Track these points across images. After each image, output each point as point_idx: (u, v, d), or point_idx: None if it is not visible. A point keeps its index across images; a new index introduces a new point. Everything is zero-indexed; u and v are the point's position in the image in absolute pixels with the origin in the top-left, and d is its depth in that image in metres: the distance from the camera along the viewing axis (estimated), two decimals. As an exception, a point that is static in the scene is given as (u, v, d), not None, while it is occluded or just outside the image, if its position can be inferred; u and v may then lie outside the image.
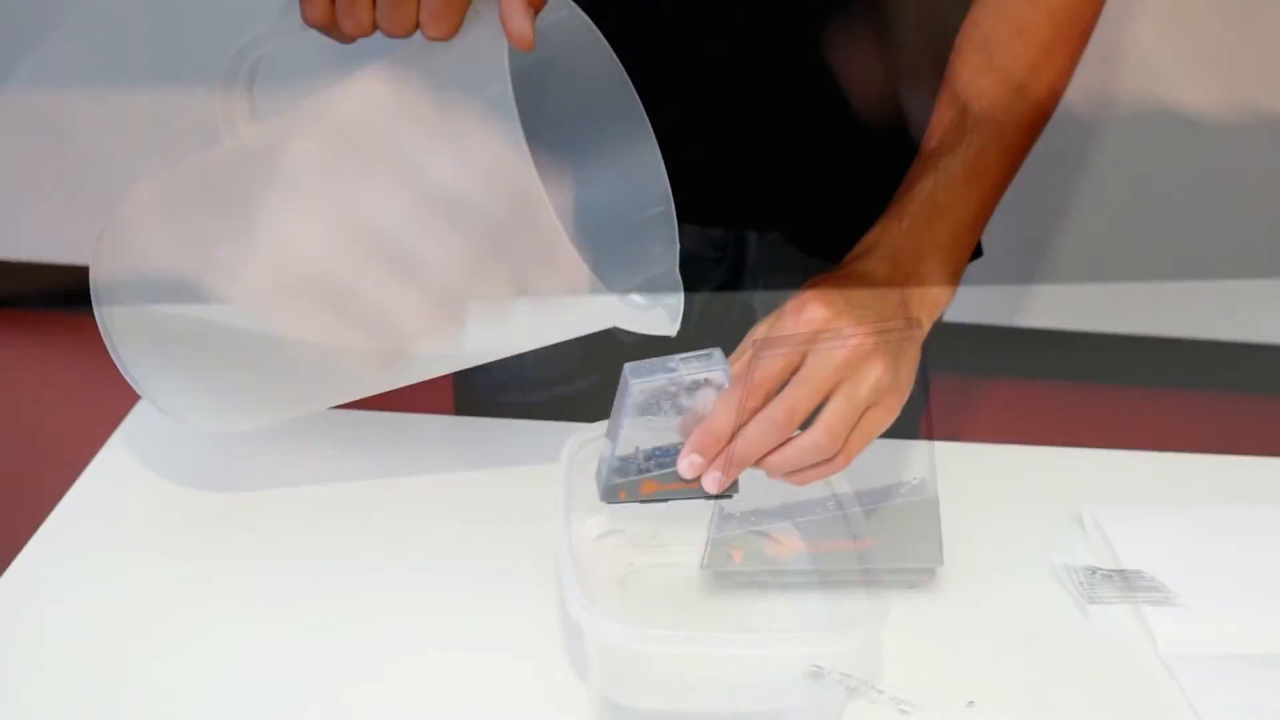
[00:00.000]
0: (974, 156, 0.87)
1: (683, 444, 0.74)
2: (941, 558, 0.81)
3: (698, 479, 0.74)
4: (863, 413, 0.74)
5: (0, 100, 2.20)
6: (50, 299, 2.21)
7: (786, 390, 0.73)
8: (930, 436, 0.83)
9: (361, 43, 0.71)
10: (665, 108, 0.79)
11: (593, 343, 0.82)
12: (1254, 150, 2.14)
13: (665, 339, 0.76)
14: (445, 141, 0.70)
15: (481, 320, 0.74)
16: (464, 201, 0.69)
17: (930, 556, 0.82)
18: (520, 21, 0.66)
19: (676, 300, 0.77)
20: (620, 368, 0.75)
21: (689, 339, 0.77)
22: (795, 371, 0.74)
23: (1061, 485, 0.97)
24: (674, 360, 0.75)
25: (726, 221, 1.04)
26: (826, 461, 0.74)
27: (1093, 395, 2.30)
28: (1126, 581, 0.85)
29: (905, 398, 0.77)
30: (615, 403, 0.75)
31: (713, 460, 0.74)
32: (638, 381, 0.73)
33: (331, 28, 0.71)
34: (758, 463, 0.74)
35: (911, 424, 0.82)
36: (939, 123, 0.90)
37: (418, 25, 0.69)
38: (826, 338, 0.74)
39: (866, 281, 0.80)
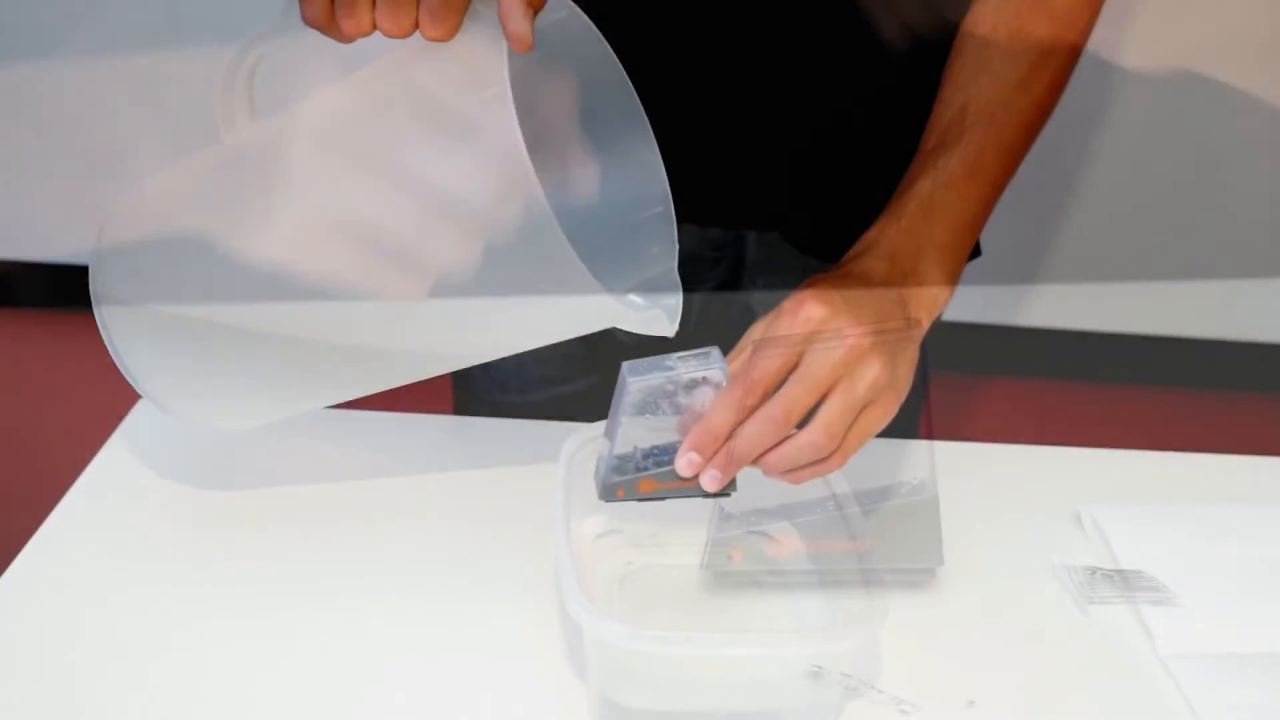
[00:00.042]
0: (973, 156, 0.87)
1: (681, 442, 0.74)
2: (941, 558, 0.81)
3: (696, 477, 0.74)
4: (860, 411, 0.74)
5: (-1, 99, 2.20)
6: (50, 298, 2.21)
7: (784, 389, 0.74)
8: (930, 435, 0.83)
9: (361, 43, 0.71)
10: (665, 107, 0.79)
11: (592, 342, 0.82)
12: (1254, 149, 2.14)
13: (664, 339, 0.76)
14: (444, 142, 0.70)
15: (480, 320, 0.74)
16: (462, 202, 0.69)
17: (930, 556, 0.82)
18: (519, 23, 0.66)
19: (675, 300, 0.77)
20: (619, 367, 0.75)
21: (688, 338, 0.77)
22: (793, 370, 0.74)
23: (1061, 484, 0.97)
24: (672, 359, 0.75)
25: (725, 221, 1.04)
26: (823, 460, 0.75)
27: (1092, 394, 2.30)
28: (1126, 581, 0.85)
29: (903, 397, 0.77)
30: (613, 401, 0.75)
31: (711, 458, 0.74)
32: (635, 380, 0.74)
33: (331, 28, 0.70)
34: (755, 461, 0.74)
35: (911, 423, 0.82)
36: (938, 121, 0.90)
37: (417, 26, 0.69)
38: (824, 337, 0.74)
39: (864, 280, 0.81)
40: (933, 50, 0.94)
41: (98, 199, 0.85)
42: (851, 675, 0.74)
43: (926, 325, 0.82)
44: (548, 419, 1.01)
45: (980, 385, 2.28)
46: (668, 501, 0.76)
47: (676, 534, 0.84)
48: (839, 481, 0.80)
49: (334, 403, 0.86)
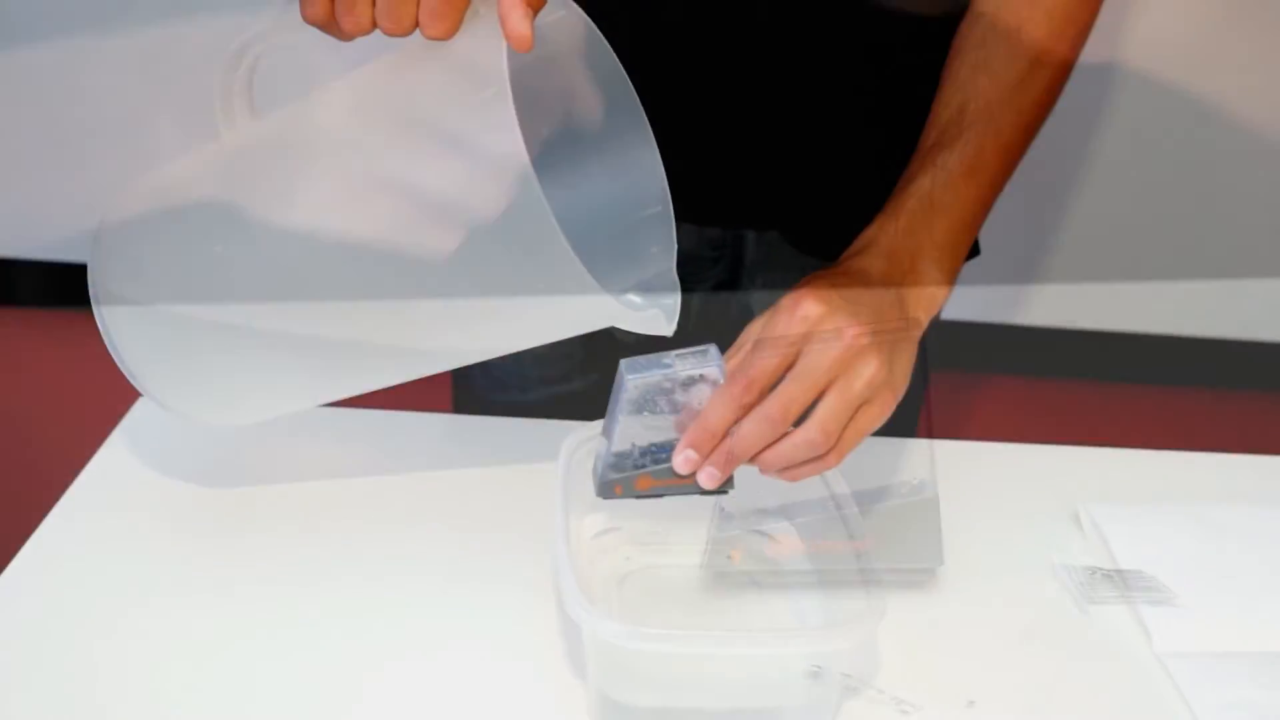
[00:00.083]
0: (971, 154, 0.87)
1: (678, 440, 0.74)
2: (941, 558, 0.81)
3: (693, 474, 0.74)
4: (857, 410, 0.74)
5: (-1, 98, 2.20)
6: (50, 296, 2.21)
7: (781, 387, 0.74)
8: (930, 434, 0.83)
9: (360, 41, 0.71)
10: (664, 106, 0.79)
11: (591, 342, 0.82)
12: (1254, 149, 2.14)
13: (663, 337, 0.76)
14: (443, 140, 0.70)
15: (478, 319, 0.74)
16: (461, 200, 0.69)
17: (930, 557, 0.82)
18: (519, 22, 0.66)
19: (673, 300, 0.77)
20: (618, 366, 0.75)
21: (687, 338, 0.77)
22: (790, 368, 0.74)
23: (1060, 483, 0.97)
24: (669, 356, 0.75)
25: (724, 220, 1.04)
26: (820, 458, 0.75)
27: (1092, 393, 2.30)
28: (1125, 581, 0.85)
29: (900, 395, 0.77)
30: (611, 399, 0.75)
31: (708, 456, 0.74)
32: (633, 377, 0.74)
33: (331, 25, 0.71)
34: (752, 459, 0.75)
35: (910, 421, 0.82)
36: (937, 120, 0.90)
37: (417, 24, 0.69)
38: (822, 335, 0.74)
39: (863, 279, 0.81)
40: (932, 49, 0.94)
41: (96, 197, 0.85)
42: (852, 675, 0.74)
43: (925, 323, 0.82)
44: (547, 418, 1.01)
45: (980, 384, 2.28)
46: (667, 500, 0.76)
47: (676, 533, 0.84)
48: (838, 481, 0.80)
49: (333, 399, 0.86)
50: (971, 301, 2.22)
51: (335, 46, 0.73)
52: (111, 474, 0.92)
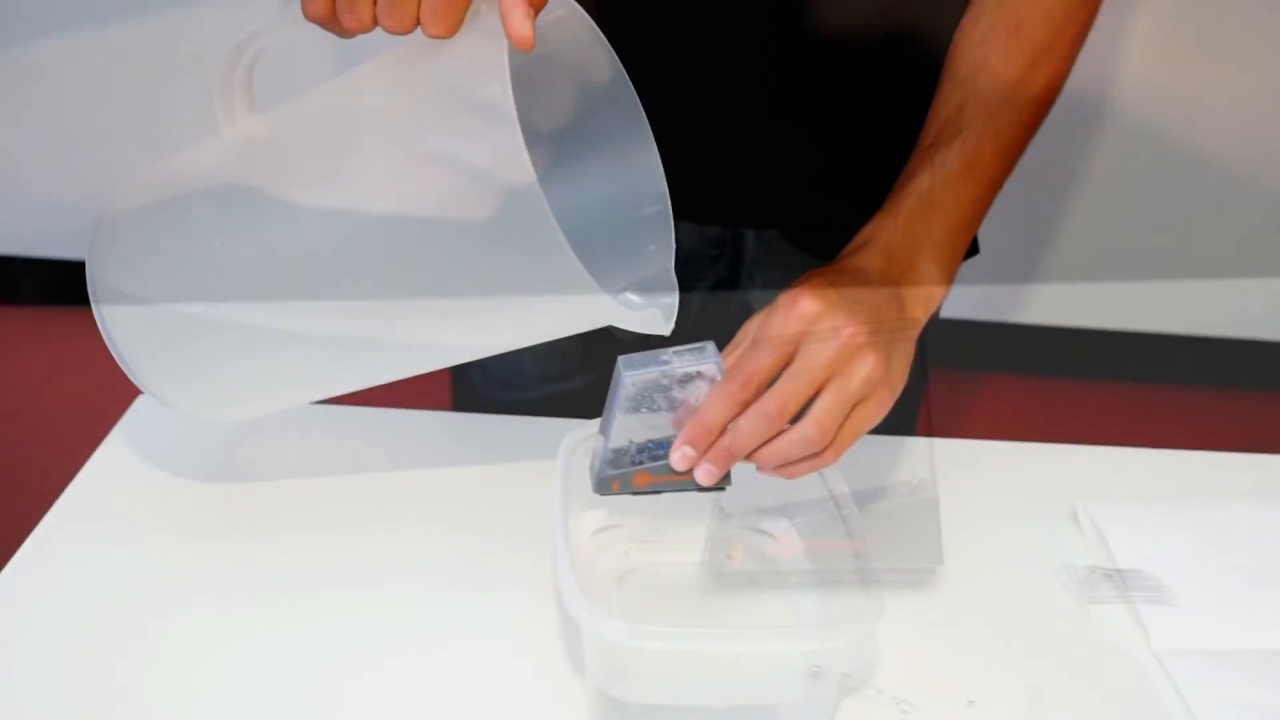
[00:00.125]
0: (970, 152, 0.87)
1: (676, 436, 0.75)
2: (941, 558, 0.82)
3: (690, 471, 0.75)
4: (853, 407, 0.74)
5: (-1, 95, 2.20)
6: (50, 294, 2.21)
7: (778, 384, 0.74)
8: (929, 433, 0.83)
9: (361, 39, 0.71)
10: (664, 105, 0.79)
11: (590, 340, 0.82)
12: (1253, 147, 2.14)
13: (662, 336, 0.76)
14: (443, 139, 0.70)
15: (476, 317, 0.74)
16: (460, 198, 0.69)
17: (929, 556, 0.82)
18: (520, 22, 0.66)
19: (671, 299, 0.77)
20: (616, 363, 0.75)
21: (687, 336, 0.77)
22: (787, 365, 0.74)
23: (1059, 482, 0.97)
24: (667, 353, 0.75)
25: (724, 219, 1.04)
26: (816, 455, 0.75)
27: (1091, 391, 2.30)
28: (1125, 581, 0.85)
29: (897, 393, 0.77)
30: (609, 395, 0.75)
31: (705, 452, 0.74)
32: (631, 374, 0.74)
33: (332, 22, 0.71)
34: (749, 456, 0.75)
35: (909, 419, 0.82)
36: (936, 119, 0.90)
37: (418, 22, 0.69)
38: (819, 332, 0.74)
39: (861, 276, 0.80)
40: (931, 47, 0.94)
41: (96, 194, 0.85)
42: (851, 675, 0.74)
43: (923, 321, 0.82)
44: (546, 416, 1.01)
45: (979, 383, 2.28)
46: (666, 497, 0.76)
47: (675, 530, 0.84)
48: (838, 481, 0.80)
49: (332, 394, 0.86)
50: (971, 300, 2.23)
51: (335, 44, 0.73)
52: (111, 472, 0.92)
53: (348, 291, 0.74)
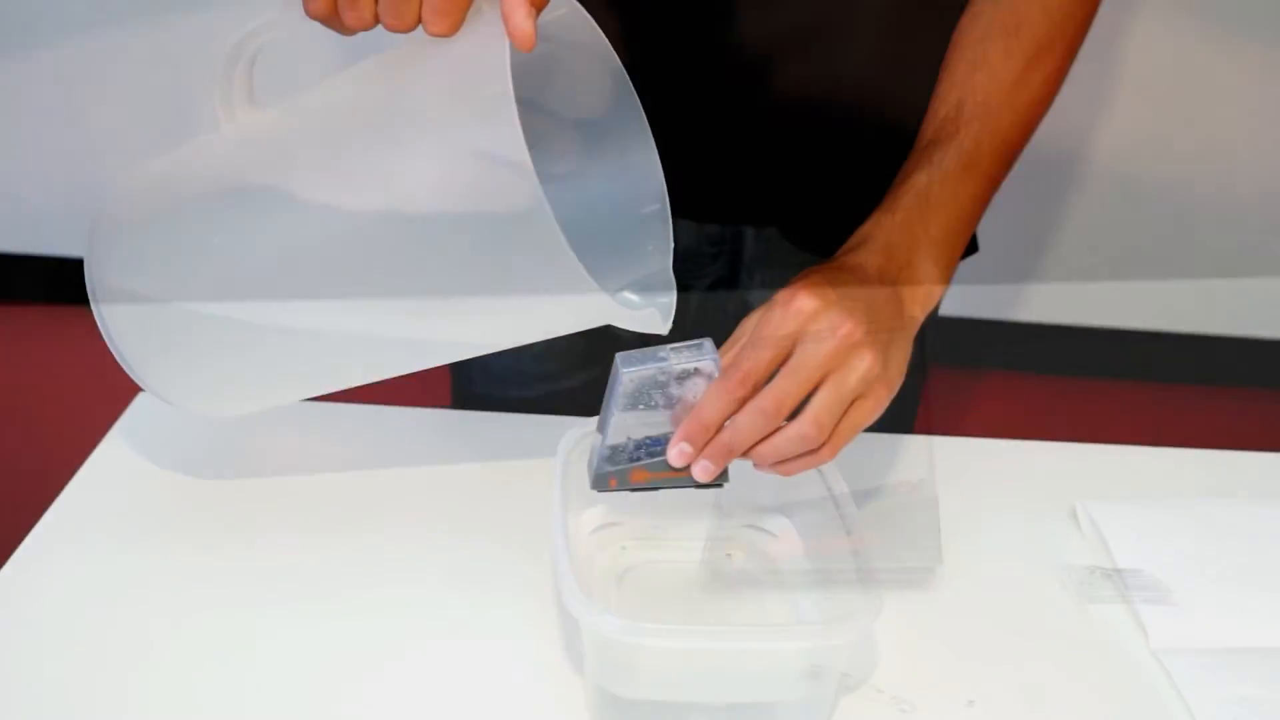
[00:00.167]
0: (968, 151, 0.87)
1: (673, 433, 0.75)
2: (940, 557, 0.82)
3: (688, 468, 0.75)
4: (850, 404, 0.74)
5: (-1, 93, 2.20)
6: (50, 291, 2.20)
7: (775, 381, 0.74)
8: (928, 431, 0.83)
9: (362, 36, 0.71)
10: (664, 104, 0.79)
11: (590, 338, 0.82)
12: (1253, 149, 2.15)
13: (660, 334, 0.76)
14: (444, 137, 0.70)
15: (475, 315, 0.74)
16: (460, 196, 0.69)
17: (929, 556, 0.82)
18: (522, 21, 0.66)
19: (669, 299, 0.77)
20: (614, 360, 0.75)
21: (686, 334, 0.77)
22: (785, 362, 0.74)
23: (1059, 481, 0.97)
24: (665, 350, 0.75)
25: (723, 217, 1.04)
26: (813, 452, 0.74)
27: (1090, 389, 2.30)
28: (1124, 580, 0.86)
29: (895, 390, 0.77)
30: (606, 391, 0.75)
31: (702, 449, 0.74)
32: (628, 370, 0.74)
33: (333, 20, 0.70)
34: (746, 452, 0.75)
35: (908, 417, 0.82)
36: (934, 116, 0.91)
37: (419, 20, 0.69)
38: (816, 330, 0.74)
39: (858, 274, 0.80)
40: (930, 45, 0.94)
41: (96, 191, 0.85)
42: (850, 673, 0.74)
43: (920, 319, 0.82)
44: (545, 414, 1.01)
45: (978, 380, 2.29)
46: (665, 495, 0.76)
47: (675, 528, 0.84)
48: (837, 479, 0.80)
49: (331, 391, 0.86)
50: (970, 298, 2.23)
51: (336, 41, 0.73)
52: (113, 468, 0.92)
53: (348, 288, 0.74)
